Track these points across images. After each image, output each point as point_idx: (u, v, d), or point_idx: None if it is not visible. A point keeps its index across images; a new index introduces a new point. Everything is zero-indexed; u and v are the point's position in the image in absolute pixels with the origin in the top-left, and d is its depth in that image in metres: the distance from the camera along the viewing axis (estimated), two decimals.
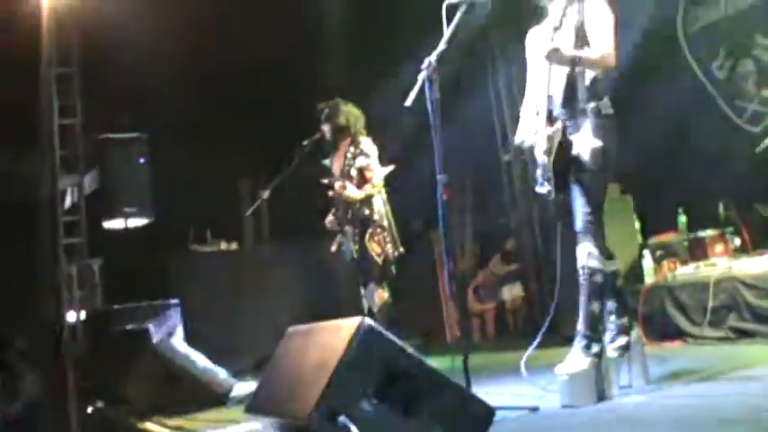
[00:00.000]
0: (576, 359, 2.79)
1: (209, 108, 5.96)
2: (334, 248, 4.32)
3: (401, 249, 4.21)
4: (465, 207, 7.22)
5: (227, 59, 5.92)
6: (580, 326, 2.82)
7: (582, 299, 2.85)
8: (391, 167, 4.29)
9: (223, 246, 5.97)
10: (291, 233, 6.12)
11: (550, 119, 2.85)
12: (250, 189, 6.45)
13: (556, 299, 3.00)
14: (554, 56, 2.77)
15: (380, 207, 4.21)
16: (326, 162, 4.42)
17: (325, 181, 4.31)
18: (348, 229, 4.23)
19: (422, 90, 2.85)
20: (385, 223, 4.19)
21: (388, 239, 4.17)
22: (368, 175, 4.20)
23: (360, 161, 4.20)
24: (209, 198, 6.01)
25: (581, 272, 2.84)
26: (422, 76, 2.85)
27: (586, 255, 2.82)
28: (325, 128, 4.33)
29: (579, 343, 2.82)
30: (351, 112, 4.33)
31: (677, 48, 5.11)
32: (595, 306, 2.83)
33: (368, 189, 4.16)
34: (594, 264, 2.82)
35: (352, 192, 4.13)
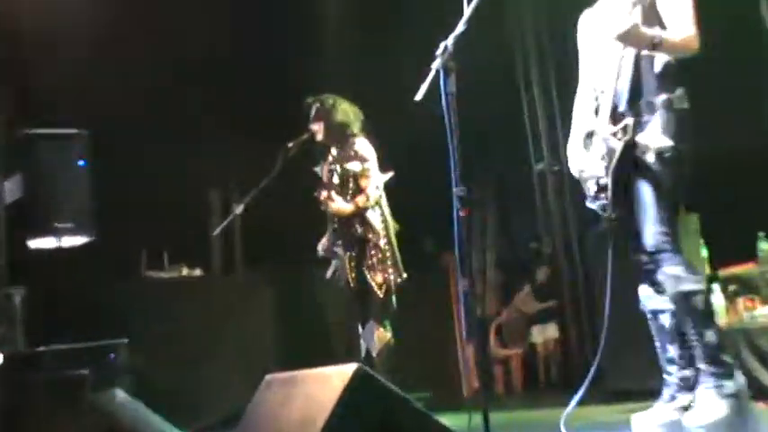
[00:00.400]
0: (708, 405, 2.71)
1: (170, 101, 6.00)
2: (329, 274, 4.34)
3: (404, 275, 4.22)
4: (487, 227, 7.27)
5: (196, 43, 5.98)
6: (676, 369, 2.84)
7: (660, 338, 2.86)
8: (390, 174, 4.32)
9: (185, 272, 5.97)
10: (272, 257, 6.14)
11: (614, 116, 2.84)
12: (221, 202, 6.48)
13: (602, 343, 2.99)
14: (633, 34, 2.71)
15: (377, 224, 4.23)
16: (317, 169, 4.45)
17: (319, 192, 4.34)
18: (341, 252, 4.24)
19: (435, 82, 2.88)
20: (383, 243, 4.20)
21: (389, 264, 4.20)
22: (363, 183, 4.22)
23: (352, 166, 4.23)
24: (169, 212, 6.01)
25: (673, 301, 2.83)
26: (436, 65, 2.87)
27: (673, 279, 2.81)
28: (316, 127, 4.37)
29: (705, 384, 2.77)
30: (348, 110, 4.38)
31: (761, 35, 5.04)
32: (710, 335, 2.78)
33: (361, 201, 4.18)
34: (690, 286, 2.80)
35: (340, 204, 4.16)
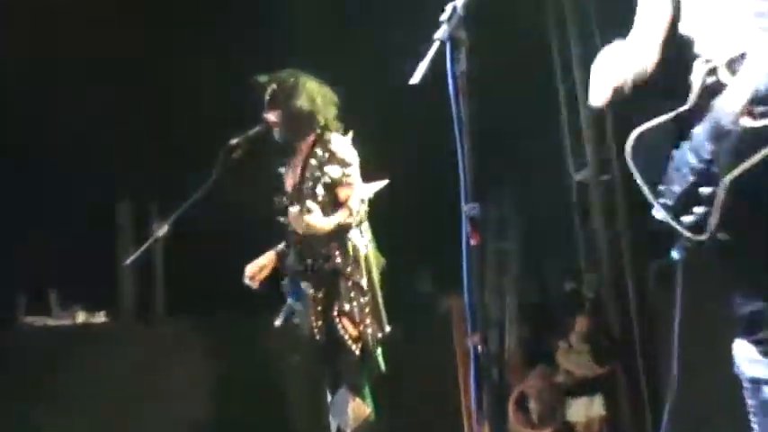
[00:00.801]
0: None
1: (60, 83, 6.04)
2: (278, 322, 4.32)
3: (387, 328, 4.23)
4: (506, 260, 7.29)
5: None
6: None
7: (762, 419, 2.84)
8: (383, 183, 4.32)
9: (81, 318, 5.97)
10: (206, 298, 6.13)
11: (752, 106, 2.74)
12: (133, 220, 6.52)
13: (665, 422, 3.03)
14: None
15: (360, 250, 4.24)
16: (281, 171, 4.47)
17: (280, 201, 4.34)
18: (306, 288, 4.24)
19: (439, 59, 2.88)
20: (364, 282, 4.21)
21: (367, 311, 4.20)
22: (343, 194, 4.23)
23: (331, 171, 4.23)
24: (58, 236, 6.02)
25: None
26: (440, 35, 2.85)
27: None
28: (272, 116, 4.36)
29: None
30: (316, 91, 4.38)
31: None
32: None
33: (342, 217, 4.18)
34: None
35: (318, 219, 4.13)
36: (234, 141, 4.37)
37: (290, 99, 4.35)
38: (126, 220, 6.73)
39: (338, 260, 4.21)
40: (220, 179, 4.35)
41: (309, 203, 4.10)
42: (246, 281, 4.38)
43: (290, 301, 4.33)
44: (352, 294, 4.19)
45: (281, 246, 4.42)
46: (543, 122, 6.50)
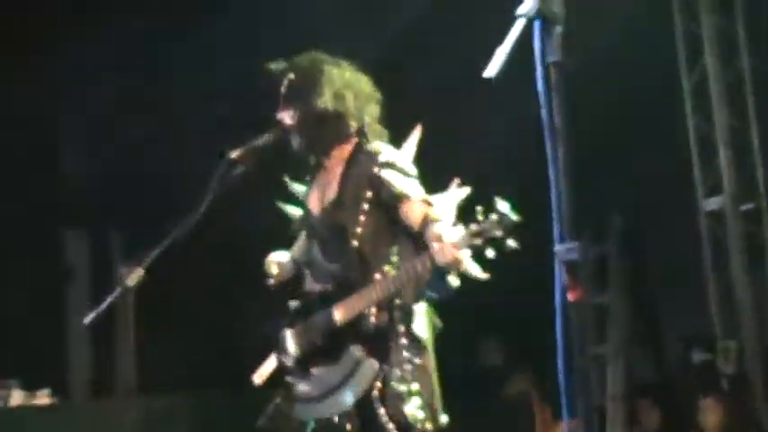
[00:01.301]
0: None
1: None
2: (264, 420, 4.37)
3: (443, 419, 4.21)
4: (609, 318, 7.26)
5: None
6: None
7: None
8: (462, 191, 4.18)
9: (17, 398, 6.03)
10: (193, 372, 6.28)
11: None
12: (90, 258, 6.67)
13: None
14: None
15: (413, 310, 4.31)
16: (296, 189, 4.49)
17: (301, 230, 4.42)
18: (317, 374, 4.29)
19: (523, 44, 2.94)
20: (417, 357, 4.21)
21: (423, 396, 4.22)
22: (414, 212, 4.10)
23: (392, 183, 4.17)
24: None
25: None
26: (525, 9, 2.92)
27: None
28: (287, 117, 4.39)
29: None
30: (352, 83, 4.42)
31: None
32: None
33: (445, 252, 4.06)
34: None
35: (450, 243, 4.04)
36: (235, 153, 4.36)
37: (310, 95, 4.34)
38: (79, 258, 6.81)
39: (382, 318, 4.24)
40: (217, 202, 4.34)
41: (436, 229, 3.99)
42: (257, 380, 4.45)
43: (280, 395, 4.38)
44: (399, 372, 4.22)
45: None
46: (661, 132, 6.49)
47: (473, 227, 3.84)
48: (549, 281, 2.94)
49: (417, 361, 4.21)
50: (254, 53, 4.70)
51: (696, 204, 6.62)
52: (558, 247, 2.88)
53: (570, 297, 2.83)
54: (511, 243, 3.78)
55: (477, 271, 4.11)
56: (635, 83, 6.39)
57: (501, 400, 6.66)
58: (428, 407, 4.22)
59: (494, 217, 3.79)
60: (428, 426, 4.18)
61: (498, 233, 3.78)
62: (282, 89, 4.41)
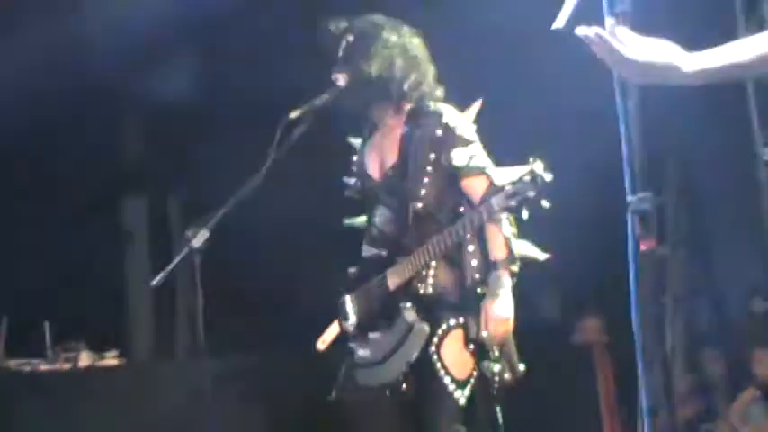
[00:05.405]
0: None
1: None
2: (322, 344, 4.46)
3: (521, 368, 4.30)
4: (668, 269, 7.23)
5: None
6: None
7: None
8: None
9: (84, 359, 6.11)
10: (248, 331, 6.31)
11: None
12: (150, 221, 6.74)
13: None
14: None
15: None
16: (355, 160, 4.55)
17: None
18: (374, 339, 4.37)
19: None
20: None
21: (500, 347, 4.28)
22: (475, 186, 4.24)
23: (456, 156, 4.31)
24: (45, 246, 6.21)
25: None
26: None
27: None
28: (341, 79, 4.41)
29: None
30: (408, 49, 4.43)
31: None
32: None
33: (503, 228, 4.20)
34: None
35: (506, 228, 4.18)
36: (295, 113, 4.40)
37: (361, 60, 4.35)
38: (140, 222, 6.87)
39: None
40: (277, 166, 4.40)
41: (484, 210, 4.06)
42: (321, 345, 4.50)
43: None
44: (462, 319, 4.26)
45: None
46: (723, 88, 6.42)
47: (508, 188, 3.86)
48: (605, 233, 2.94)
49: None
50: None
51: (755, 153, 6.56)
52: (630, 198, 2.87)
53: (643, 247, 2.84)
54: (545, 203, 3.80)
55: (536, 253, 4.17)
56: (694, 33, 6.33)
57: (560, 352, 6.60)
58: (504, 359, 4.25)
59: (527, 177, 3.81)
60: (506, 376, 4.22)
61: (532, 194, 3.80)
62: (340, 51, 4.43)
